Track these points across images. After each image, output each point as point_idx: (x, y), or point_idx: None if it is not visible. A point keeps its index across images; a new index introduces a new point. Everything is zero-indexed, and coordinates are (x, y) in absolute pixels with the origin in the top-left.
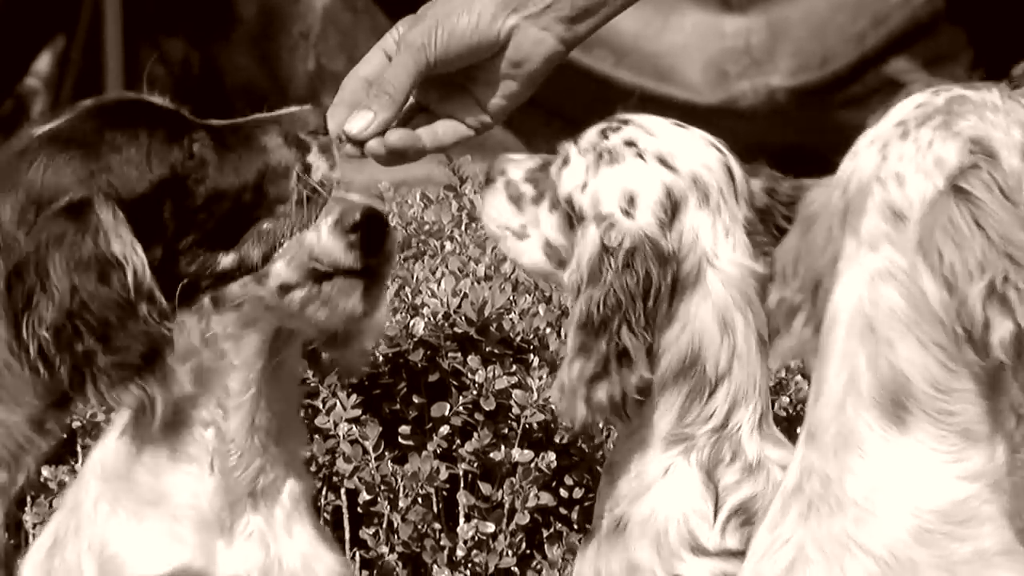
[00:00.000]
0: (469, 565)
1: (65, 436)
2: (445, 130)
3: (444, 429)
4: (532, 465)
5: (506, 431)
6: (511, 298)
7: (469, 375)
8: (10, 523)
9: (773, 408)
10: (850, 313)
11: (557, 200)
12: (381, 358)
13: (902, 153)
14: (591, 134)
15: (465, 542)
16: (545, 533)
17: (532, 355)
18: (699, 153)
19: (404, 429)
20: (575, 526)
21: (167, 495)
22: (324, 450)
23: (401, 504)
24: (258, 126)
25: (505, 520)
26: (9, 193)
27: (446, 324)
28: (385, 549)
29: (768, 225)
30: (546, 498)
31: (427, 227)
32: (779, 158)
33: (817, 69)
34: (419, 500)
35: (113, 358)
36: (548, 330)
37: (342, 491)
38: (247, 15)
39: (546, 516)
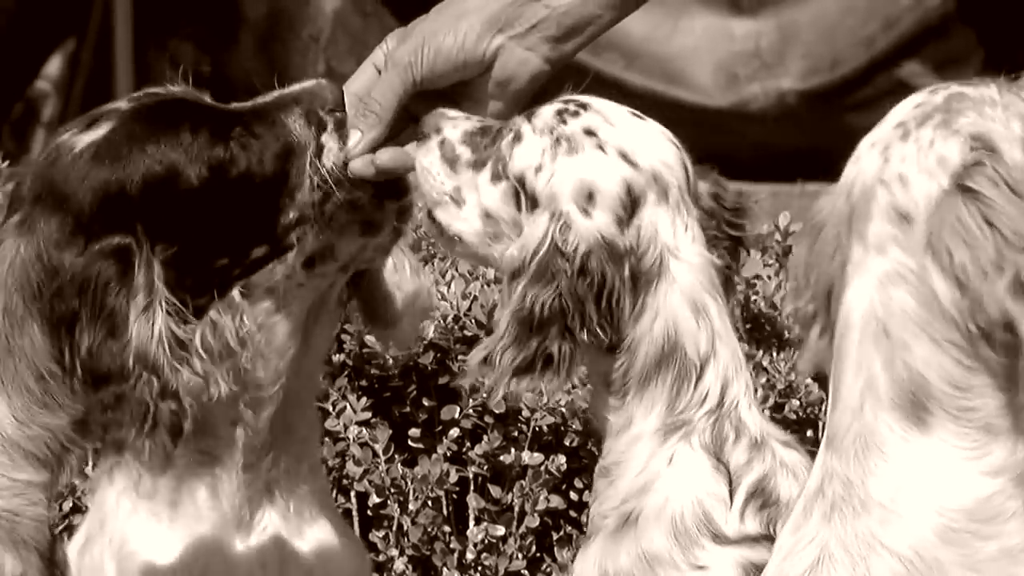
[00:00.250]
0: (479, 568)
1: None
2: None
3: (454, 432)
4: (542, 468)
5: (516, 434)
6: None
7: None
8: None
9: (784, 411)
10: (862, 318)
11: (504, 174)
12: (391, 361)
13: (904, 154)
14: (547, 114)
15: (475, 545)
16: (555, 536)
17: None
18: (659, 149)
19: (414, 432)
20: (585, 529)
21: (189, 496)
22: (334, 453)
23: (411, 507)
24: (281, 108)
25: (515, 523)
26: (56, 211)
27: (456, 327)
28: (395, 552)
29: (713, 226)
30: (556, 501)
31: None
32: (789, 161)
33: (827, 72)
34: (429, 503)
35: (116, 415)
36: None
37: (352, 494)
38: (256, 18)
39: (556, 519)
